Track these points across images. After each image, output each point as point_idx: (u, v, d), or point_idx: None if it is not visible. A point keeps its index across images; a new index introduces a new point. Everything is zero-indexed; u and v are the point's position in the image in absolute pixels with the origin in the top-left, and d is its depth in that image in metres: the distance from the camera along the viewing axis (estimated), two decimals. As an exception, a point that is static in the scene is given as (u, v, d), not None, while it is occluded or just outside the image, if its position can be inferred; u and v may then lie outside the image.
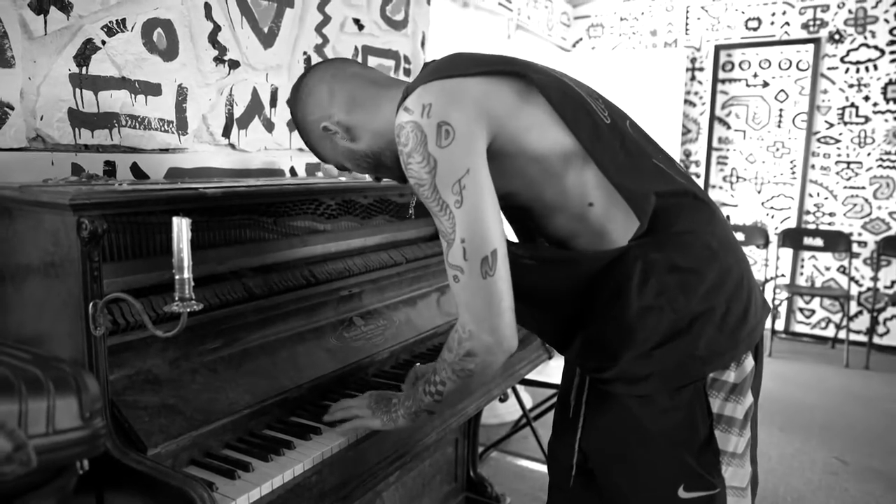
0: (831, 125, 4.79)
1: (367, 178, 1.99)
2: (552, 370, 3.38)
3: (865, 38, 4.62)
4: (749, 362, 1.09)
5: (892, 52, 4.56)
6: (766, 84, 4.99)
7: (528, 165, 1.08)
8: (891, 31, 4.55)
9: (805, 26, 4.81)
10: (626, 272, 1.05)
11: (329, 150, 1.28)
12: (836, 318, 4.92)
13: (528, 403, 3.27)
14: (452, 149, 0.99)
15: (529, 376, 2.16)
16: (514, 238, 1.27)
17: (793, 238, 4.84)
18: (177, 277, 1.03)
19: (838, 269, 4.89)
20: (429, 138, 0.99)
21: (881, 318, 4.76)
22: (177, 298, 1.03)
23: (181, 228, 1.01)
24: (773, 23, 4.90)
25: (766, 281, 4.98)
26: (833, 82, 4.75)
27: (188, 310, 1.03)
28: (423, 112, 1.00)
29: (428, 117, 1.00)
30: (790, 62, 4.90)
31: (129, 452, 1.04)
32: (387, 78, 1.28)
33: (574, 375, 1.26)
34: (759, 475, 1.23)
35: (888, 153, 4.63)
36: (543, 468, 2.86)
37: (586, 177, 1.08)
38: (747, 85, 5.05)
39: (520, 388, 3.00)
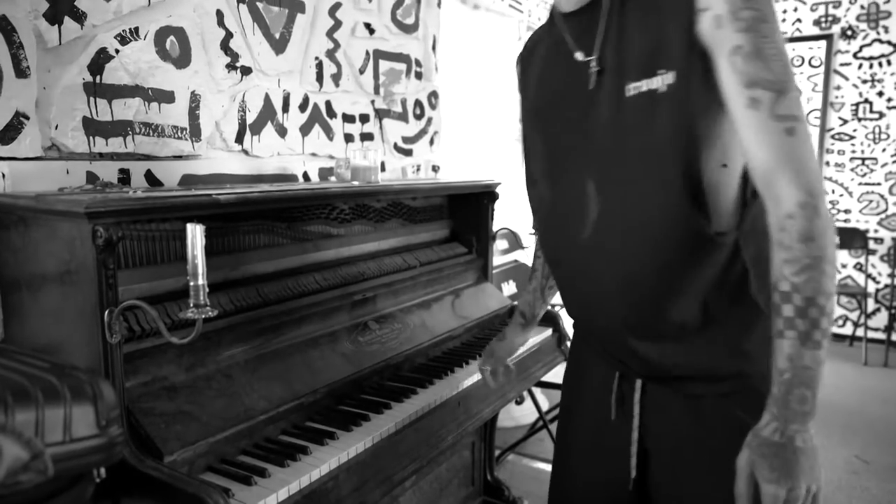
0: (845, 121, 4.75)
1: (376, 179, 1.98)
2: (567, 372, 3.36)
3: (878, 33, 4.57)
4: None
5: (906, 47, 4.51)
6: (778, 81, 4.94)
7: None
8: (905, 26, 4.50)
9: (817, 23, 4.76)
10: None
11: None
12: (854, 315, 4.87)
13: (545, 405, 3.25)
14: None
15: (545, 378, 2.15)
16: None
17: (808, 236, 4.78)
18: (191, 284, 1.03)
19: (855, 267, 4.84)
20: None
21: (900, 315, 4.70)
22: (192, 305, 1.03)
23: (195, 235, 1.01)
24: (784, 20, 4.86)
25: (782, 280, 4.92)
26: (846, 78, 4.71)
27: (203, 316, 1.03)
28: None
29: None
30: (802, 59, 4.85)
31: (146, 460, 1.04)
32: None
33: (612, 377, 1.14)
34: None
35: (904, 149, 4.58)
36: (560, 471, 2.84)
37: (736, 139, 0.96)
38: (760, 82, 5.01)
39: (536, 390, 2.98)
